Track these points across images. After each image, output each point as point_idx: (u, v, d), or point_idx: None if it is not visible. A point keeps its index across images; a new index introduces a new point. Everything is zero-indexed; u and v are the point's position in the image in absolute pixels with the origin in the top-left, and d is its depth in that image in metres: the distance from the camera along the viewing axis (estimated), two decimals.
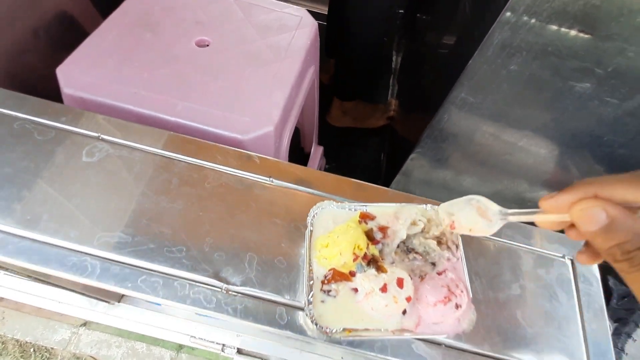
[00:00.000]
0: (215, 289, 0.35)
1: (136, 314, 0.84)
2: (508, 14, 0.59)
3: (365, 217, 0.34)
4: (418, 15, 1.43)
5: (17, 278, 0.73)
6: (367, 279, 0.30)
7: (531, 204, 0.95)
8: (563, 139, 0.80)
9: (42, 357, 1.12)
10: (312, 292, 0.30)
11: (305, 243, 0.32)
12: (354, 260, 0.31)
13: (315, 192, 0.43)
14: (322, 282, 0.31)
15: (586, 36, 0.60)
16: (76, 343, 1.12)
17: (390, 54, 1.68)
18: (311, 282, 0.31)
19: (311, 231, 0.33)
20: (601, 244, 0.18)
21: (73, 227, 0.36)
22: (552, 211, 0.19)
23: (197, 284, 0.35)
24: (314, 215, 0.34)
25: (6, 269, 0.61)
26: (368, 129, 1.35)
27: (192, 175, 0.42)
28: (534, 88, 0.70)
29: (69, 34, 0.75)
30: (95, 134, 0.43)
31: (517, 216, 0.25)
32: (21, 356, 1.12)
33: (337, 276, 0.31)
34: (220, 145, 0.45)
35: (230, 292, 0.35)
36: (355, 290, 0.31)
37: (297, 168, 0.45)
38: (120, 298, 0.83)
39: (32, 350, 1.14)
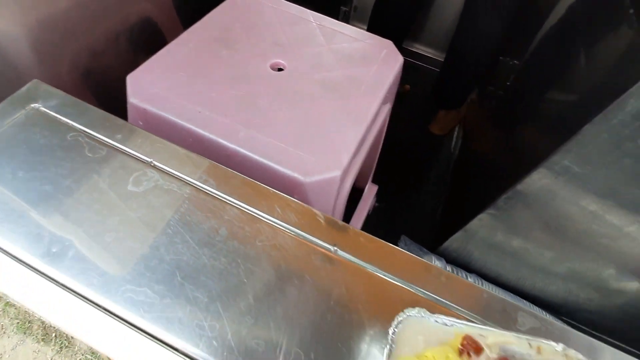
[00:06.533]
0: None
1: None
2: None
3: (470, 347, 0.24)
4: (501, 58, 1.31)
5: None
6: None
7: (616, 293, 0.78)
8: None
9: (61, 344, 1.12)
10: None
11: None
12: None
13: (388, 276, 0.34)
14: None
15: None
16: None
17: None
18: None
19: (390, 349, 0.24)
20: None
21: (98, 272, 0.30)
22: None
23: None
24: (397, 324, 0.25)
25: None
26: (425, 173, 1.27)
27: (243, 227, 0.35)
28: None
29: (150, 41, 0.74)
30: (148, 159, 0.37)
31: None
32: (42, 339, 1.12)
33: None
34: (281, 194, 0.38)
35: None
36: None
37: (368, 239, 0.36)
38: None
39: (53, 335, 1.14)
